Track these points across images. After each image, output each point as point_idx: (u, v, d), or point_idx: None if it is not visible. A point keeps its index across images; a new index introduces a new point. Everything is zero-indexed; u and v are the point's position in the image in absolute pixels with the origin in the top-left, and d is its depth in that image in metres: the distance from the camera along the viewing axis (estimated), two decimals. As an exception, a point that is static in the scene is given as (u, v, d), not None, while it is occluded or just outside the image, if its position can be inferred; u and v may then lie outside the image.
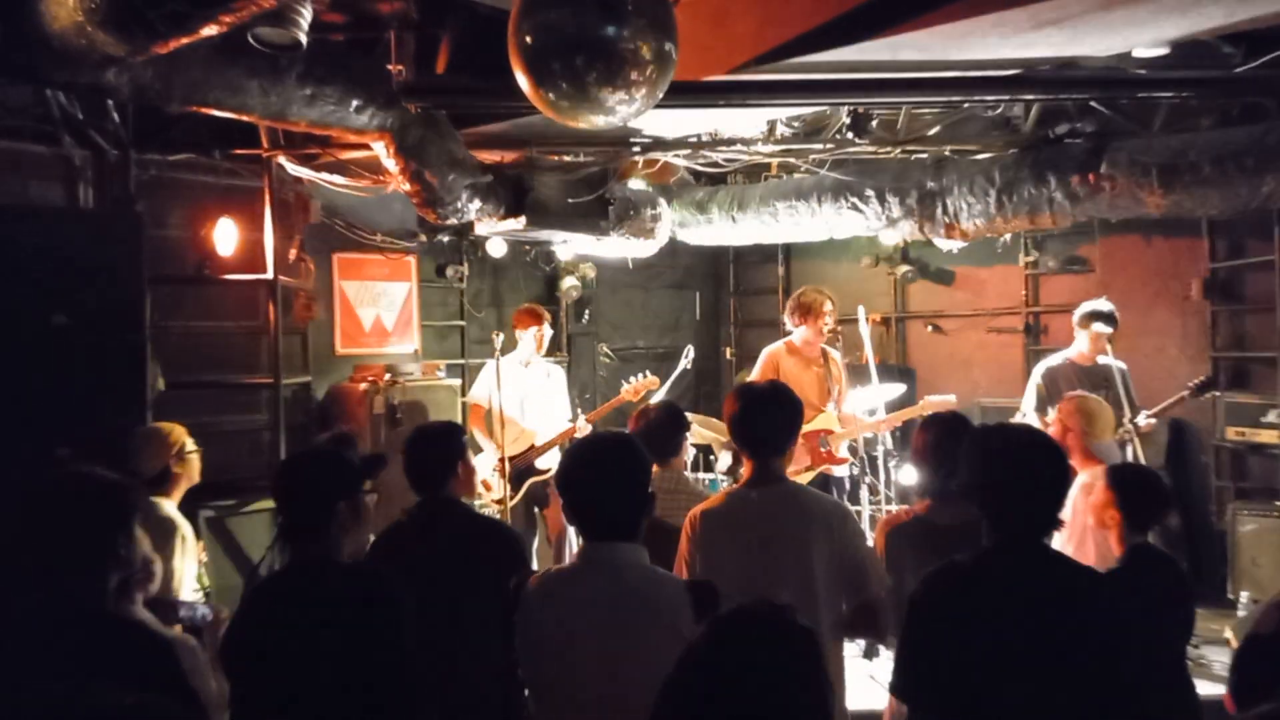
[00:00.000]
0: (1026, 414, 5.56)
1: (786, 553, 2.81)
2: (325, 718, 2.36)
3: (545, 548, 6.20)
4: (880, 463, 6.25)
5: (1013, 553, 2.31)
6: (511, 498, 5.94)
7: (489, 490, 5.86)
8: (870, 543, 3.22)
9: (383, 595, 2.45)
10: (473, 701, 2.89)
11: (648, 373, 6.08)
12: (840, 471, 5.80)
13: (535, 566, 4.90)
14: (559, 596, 2.39)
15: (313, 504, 2.55)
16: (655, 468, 3.38)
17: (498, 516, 5.67)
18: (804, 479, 5.78)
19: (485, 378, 6.09)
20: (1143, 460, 5.16)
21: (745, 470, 3.02)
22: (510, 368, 6.02)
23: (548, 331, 6.21)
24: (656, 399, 6.02)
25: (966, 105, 5.59)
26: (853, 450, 5.80)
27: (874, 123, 5.93)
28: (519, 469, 6.00)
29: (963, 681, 2.22)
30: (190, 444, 3.84)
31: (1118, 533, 3.17)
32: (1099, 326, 5.43)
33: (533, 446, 6.05)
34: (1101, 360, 5.43)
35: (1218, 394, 6.34)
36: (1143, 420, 5.29)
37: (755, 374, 5.92)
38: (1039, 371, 5.63)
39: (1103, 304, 5.55)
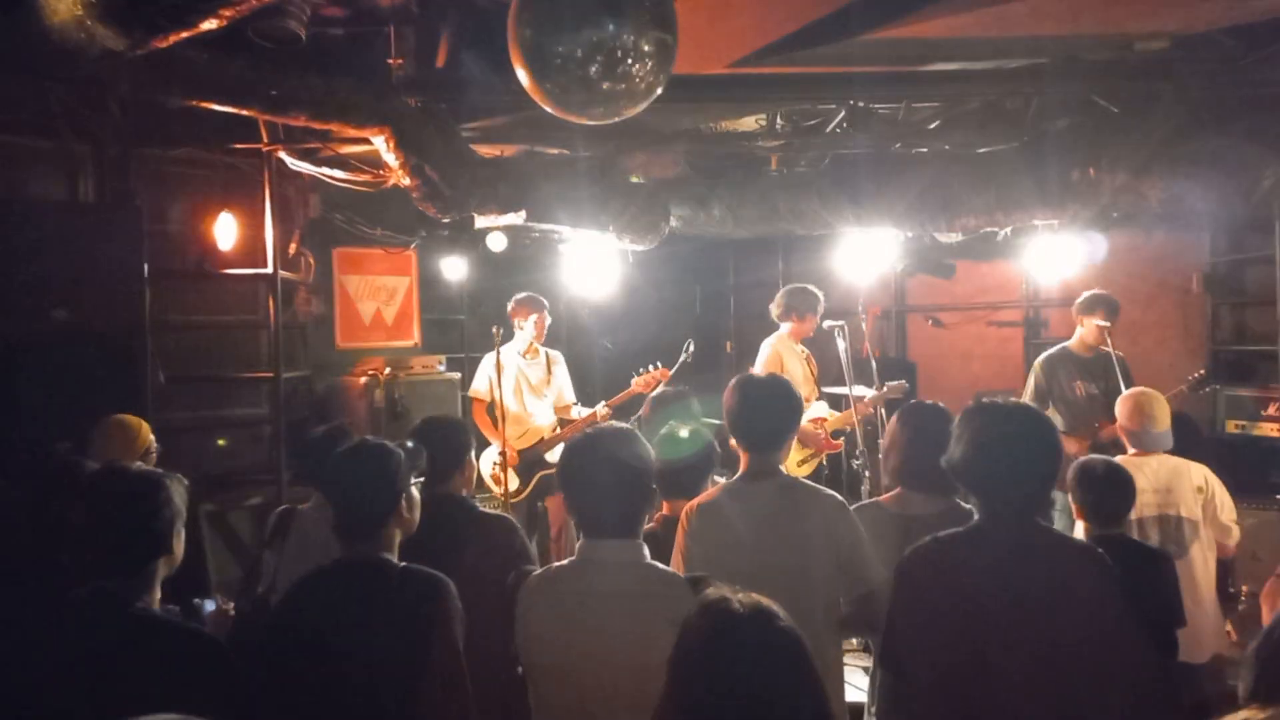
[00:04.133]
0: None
1: (782, 547, 2.79)
2: (379, 717, 2.35)
3: (548, 543, 6.19)
4: (881, 454, 6.25)
5: (999, 529, 2.32)
6: (521, 491, 5.94)
7: (499, 484, 5.85)
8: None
9: (441, 597, 2.44)
10: (474, 695, 2.90)
11: (659, 364, 6.10)
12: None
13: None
14: (558, 592, 2.39)
15: (375, 500, 2.50)
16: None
17: (500, 510, 5.68)
18: (809, 467, 5.86)
19: (484, 370, 6.10)
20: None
21: (741, 464, 3.00)
22: (509, 359, 6.03)
23: (548, 319, 6.23)
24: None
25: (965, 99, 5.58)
26: (837, 435, 5.97)
27: (873, 117, 5.92)
28: (528, 460, 6.00)
29: (949, 655, 2.23)
30: (153, 444, 3.76)
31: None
32: (1099, 317, 5.43)
33: (542, 440, 6.04)
34: (1101, 351, 5.44)
35: (1218, 387, 6.35)
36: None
37: (762, 364, 6.07)
38: (1038, 362, 5.64)
39: (1103, 294, 5.55)
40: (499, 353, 5.65)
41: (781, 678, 1.54)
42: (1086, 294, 5.61)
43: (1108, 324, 5.41)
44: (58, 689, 2.05)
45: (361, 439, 2.81)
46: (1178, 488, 3.95)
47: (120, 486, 2.31)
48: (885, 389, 6.02)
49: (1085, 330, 5.53)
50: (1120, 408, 4.24)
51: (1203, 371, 5.73)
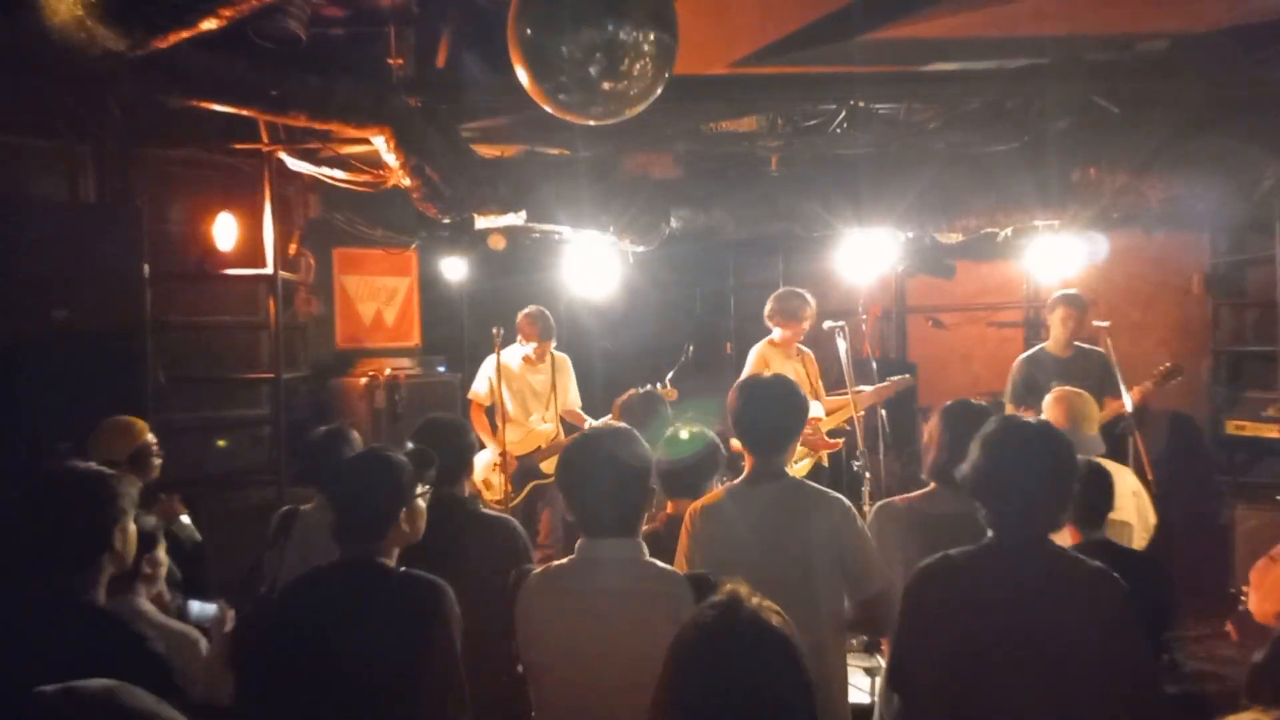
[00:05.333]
0: (1006, 406, 5.58)
1: (785, 549, 2.78)
2: (376, 718, 2.34)
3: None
4: (881, 455, 6.25)
5: (1010, 548, 2.30)
6: (515, 497, 5.91)
7: (489, 489, 5.83)
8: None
9: (438, 601, 2.44)
10: (474, 692, 2.90)
11: (667, 383, 6.06)
12: None
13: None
14: (557, 590, 2.39)
15: (376, 508, 2.51)
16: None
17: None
18: (803, 469, 5.84)
19: (485, 372, 6.06)
20: (1143, 454, 5.17)
21: (746, 466, 2.98)
22: (513, 363, 6.01)
23: (551, 345, 6.10)
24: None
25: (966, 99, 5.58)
26: (835, 435, 5.96)
27: (873, 117, 5.93)
28: (525, 468, 5.97)
29: (955, 675, 2.22)
30: (150, 442, 3.80)
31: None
32: (1066, 311, 5.50)
33: (539, 448, 6.01)
34: (1079, 348, 5.46)
35: (1218, 387, 6.35)
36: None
37: (747, 371, 6.02)
38: (1014, 364, 5.69)
39: (1067, 293, 5.63)
40: (499, 355, 5.63)
41: (774, 681, 1.53)
42: (1055, 294, 5.69)
43: (1077, 317, 5.45)
44: (22, 684, 2.05)
45: (371, 447, 2.81)
46: (1116, 490, 3.93)
47: (61, 484, 2.30)
48: (888, 382, 6.00)
49: (1055, 330, 5.59)
50: (1050, 410, 4.07)
51: (1168, 365, 5.69)
